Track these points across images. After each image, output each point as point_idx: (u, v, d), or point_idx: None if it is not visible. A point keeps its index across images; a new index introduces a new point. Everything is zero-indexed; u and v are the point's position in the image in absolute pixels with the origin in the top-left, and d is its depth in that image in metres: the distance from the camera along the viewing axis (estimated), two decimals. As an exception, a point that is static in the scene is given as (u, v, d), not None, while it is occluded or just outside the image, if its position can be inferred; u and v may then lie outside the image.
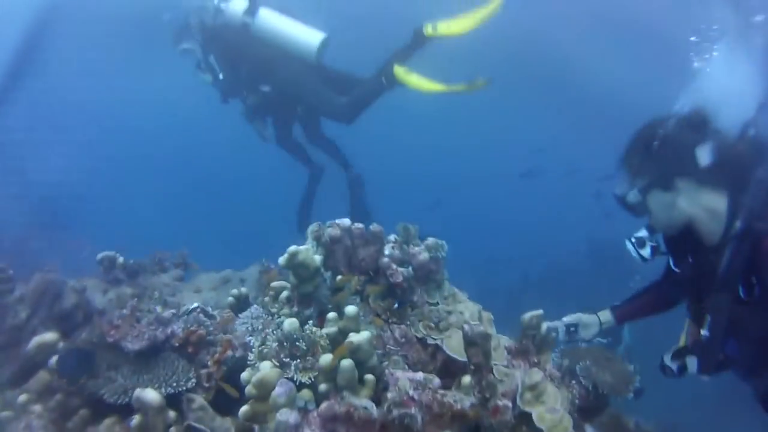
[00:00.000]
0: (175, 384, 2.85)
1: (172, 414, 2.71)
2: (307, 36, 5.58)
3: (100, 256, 4.17)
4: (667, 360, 3.09)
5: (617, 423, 3.20)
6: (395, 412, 2.39)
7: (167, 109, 17.48)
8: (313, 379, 2.54)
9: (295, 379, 2.52)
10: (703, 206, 2.71)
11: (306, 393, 2.49)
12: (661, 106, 2.88)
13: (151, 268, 4.33)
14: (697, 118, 2.70)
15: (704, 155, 2.62)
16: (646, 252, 3.05)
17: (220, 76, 6.00)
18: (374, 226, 3.35)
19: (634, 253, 3.08)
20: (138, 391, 2.66)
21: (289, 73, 5.75)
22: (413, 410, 2.42)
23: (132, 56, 13.03)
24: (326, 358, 2.50)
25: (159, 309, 3.26)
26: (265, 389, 2.42)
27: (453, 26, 5.07)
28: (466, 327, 2.87)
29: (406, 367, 2.86)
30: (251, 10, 5.66)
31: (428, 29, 5.12)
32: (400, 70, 5.17)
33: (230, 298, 3.57)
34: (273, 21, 5.64)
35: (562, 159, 17.86)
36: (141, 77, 14.81)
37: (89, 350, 3.01)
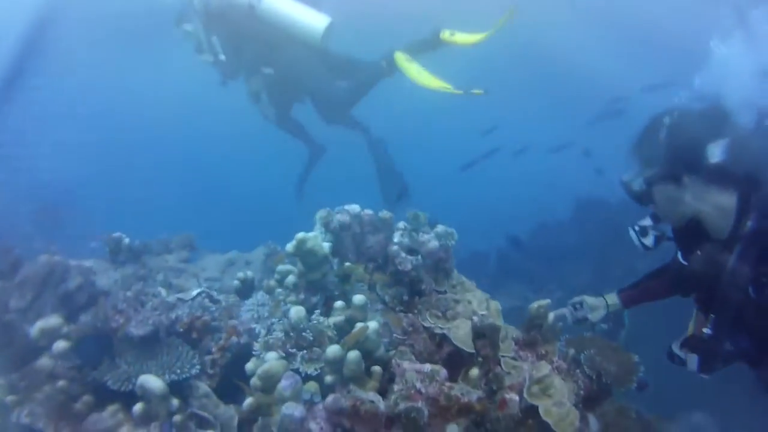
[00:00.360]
0: (179, 371, 2.78)
1: (175, 402, 2.64)
2: (313, 20, 5.46)
3: (105, 237, 4.09)
4: (676, 348, 3.01)
5: (620, 412, 3.13)
6: (402, 406, 2.32)
7: (170, 95, 17.24)
8: (319, 371, 2.46)
9: (300, 370, 2.44)
10: (711, 203, 2.60)
11: (312, 385, 2.41)
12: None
13: (156, 249, 4.25)
14: (714, 113, 2.59)
15: (716, 153, 2.51)
16: (648, 241, 2.96)
17: (221, 57, 5.89)
18: (384, 213, 3.25)
19: (636, 242, 3.00)
20: (141, 379, 2.60)
21: (292, 56, 5.64)
22: (420, 404, 2.35)
23: (132, 48, 12.79)
24: (333, 350, 2.42)
25: (164, 292, 3.18)
26: (270, 381, 2.34)
27: (470, 37, 4.96)
28: (474, 318, 2.79)
29: (413, 357, 2.77)
30: None
31: (446, 34, 5.00)
32: (401, 56, 5.06)
33: (236, 282, 3.49)
34: (279, 3, 5.52)
35: (517, 135, 17.23)
36: (144, 67, 14.56)
37: (107, 336, 2.94)
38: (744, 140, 2.50)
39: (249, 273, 3.55)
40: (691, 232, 2.77)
